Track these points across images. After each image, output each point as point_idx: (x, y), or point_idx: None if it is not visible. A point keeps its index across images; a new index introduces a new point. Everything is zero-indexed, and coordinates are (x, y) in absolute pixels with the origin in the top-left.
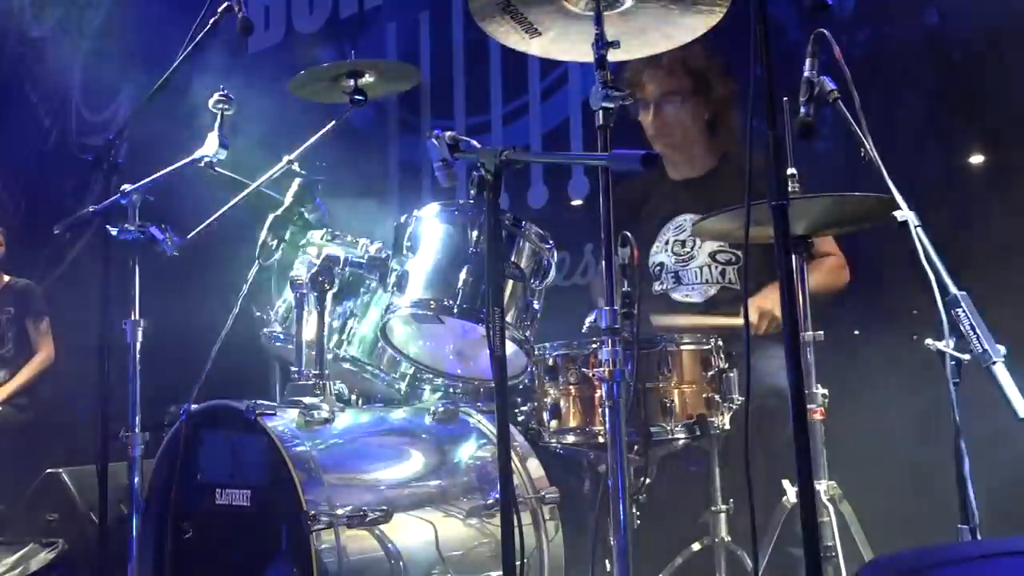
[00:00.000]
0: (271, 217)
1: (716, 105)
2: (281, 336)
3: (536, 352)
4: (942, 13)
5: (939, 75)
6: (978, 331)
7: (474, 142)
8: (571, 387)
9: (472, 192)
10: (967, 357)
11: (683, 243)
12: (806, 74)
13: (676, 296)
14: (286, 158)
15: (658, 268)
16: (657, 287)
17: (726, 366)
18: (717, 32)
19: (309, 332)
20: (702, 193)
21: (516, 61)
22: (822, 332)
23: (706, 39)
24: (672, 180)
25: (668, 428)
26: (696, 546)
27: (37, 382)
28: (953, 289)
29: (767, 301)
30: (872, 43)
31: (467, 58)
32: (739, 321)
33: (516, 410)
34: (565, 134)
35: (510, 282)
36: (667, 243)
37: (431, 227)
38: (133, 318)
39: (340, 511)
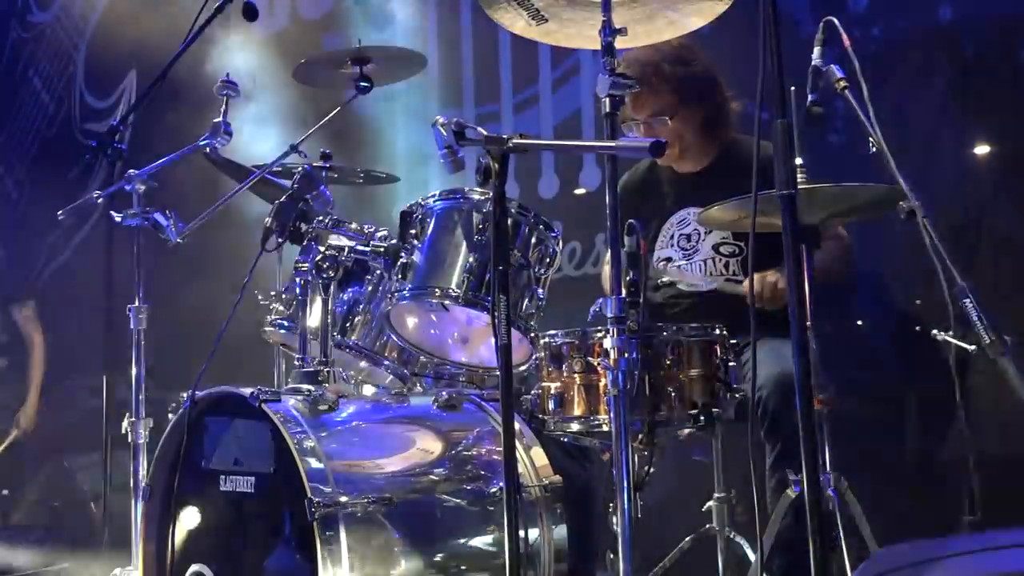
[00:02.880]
0: (275, 204)
1: (708, 108)
2: (285, 324)
3: (541, 340)
4: (955, 8)
5: (952, 70)
6: (985, 322)
7: (480, 129)
8: (576, 375)
9: (478, 179)
10: (973, 348)
11: (688, 237)
12: (814, 63)
13: (681, 285)
14: (290, 145)
15: (664, 263)
16: (664, 279)
17: (731, 355)
18: (718, 23)
19: (313, 319)
20: (702, 186)
21: (526, 50)
22: (827, 323)
23: (692, 40)
24: (670, 176)
25: (672, 417)
26: (699, 535)
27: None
28: (960, 280)
29: (771, 275)
30: (885, 38)
31: (476, 46)
32: (744, 287)
33: (520, 398)
34: (577, 124)
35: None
36: (672, 238)
37: (436, 215)
38: (137, 304)
39: (343, 498)
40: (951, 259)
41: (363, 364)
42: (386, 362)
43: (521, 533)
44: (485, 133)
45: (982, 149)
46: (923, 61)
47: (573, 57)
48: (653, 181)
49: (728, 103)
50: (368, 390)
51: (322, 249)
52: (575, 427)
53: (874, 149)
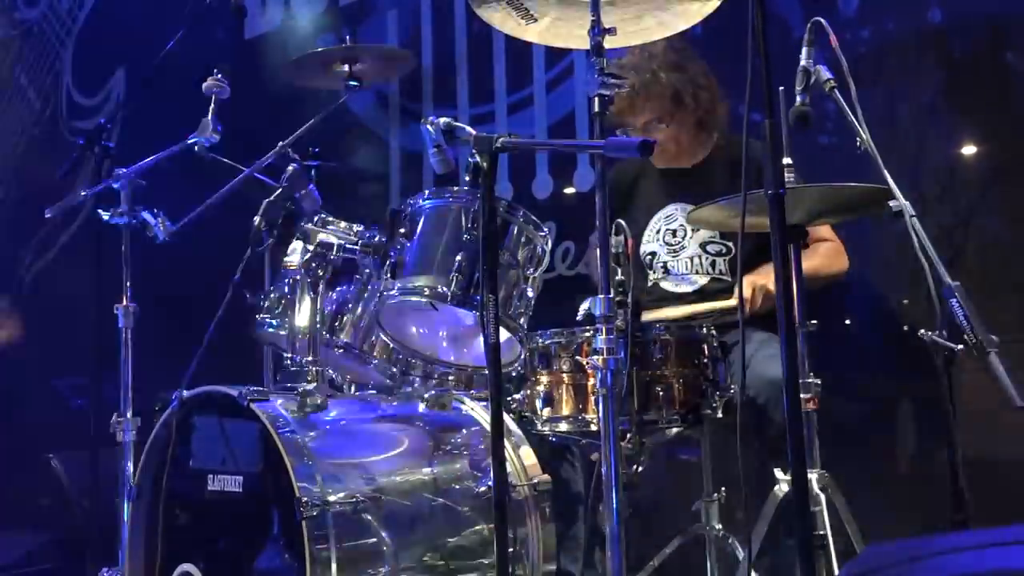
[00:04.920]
0: (264, 203)
1: (701, 110)
2: (273, 323)
3: (529, 339)
4: (944, 9)
5: (941, 71)
6: (972, 321)
7: (469, 128)
8: (564, 375)
9: (467, 178)
10: (960, 347)
11: (674, 232)
12: (803, 63)
13: (666, 285)
14: (280, 144)
15: (650, 257)
16: (650, 277)
17: (720, 355)
18: (708, 23)
19: (302, 319)
20: (692, 183)
21: (520, 51)
22: (815, 321)
23: (683, 40)
24: (661, 170)
25: (661, 416)
26: (688, 534)
27: None
28: (947, 279)
29: (760, 276)
30: (875, 40)
31: (470, 46)
32: (730, 303)
33: (509, 397)
34: (571, 126)
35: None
36: (658, 232)
37: (425, 213)
38: (125, 303)
39: (332, 498)
40: (939, 259)
41: (352, 363)
42: (375, 361)
43: (510, 532)
44: (474, 132)
45: (970, 149)
46: (912, 62)
47: (567, 59)
48: (642, 176)
49: (719, 104)
50: (357, 390)
51: (311, 248)
52: (564, 426)
53: (862, 149)
